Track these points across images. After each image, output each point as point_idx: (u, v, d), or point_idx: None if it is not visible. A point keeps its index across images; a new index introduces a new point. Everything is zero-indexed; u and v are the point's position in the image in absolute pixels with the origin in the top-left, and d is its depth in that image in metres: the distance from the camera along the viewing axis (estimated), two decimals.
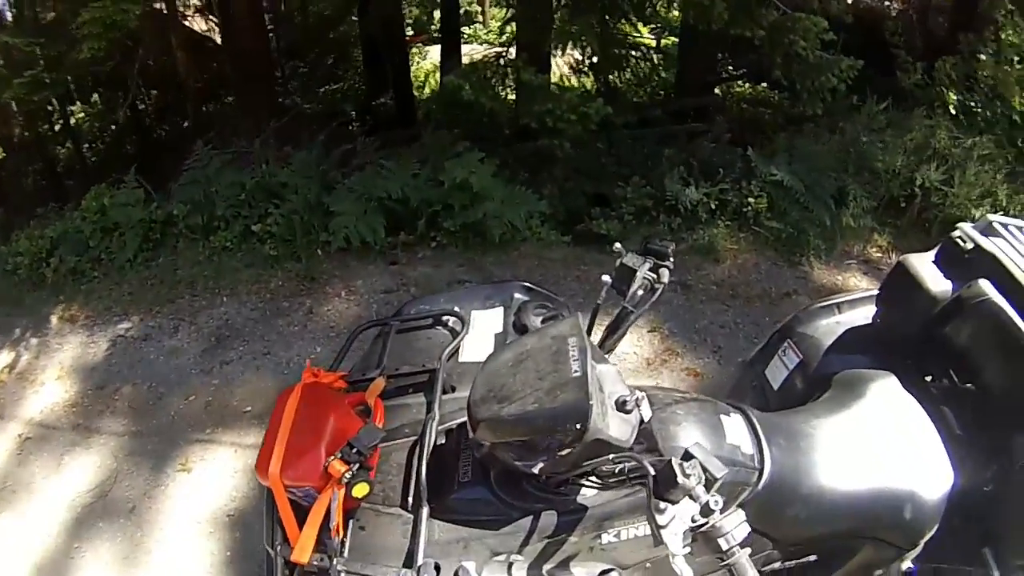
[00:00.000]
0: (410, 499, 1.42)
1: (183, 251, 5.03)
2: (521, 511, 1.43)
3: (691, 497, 1.25)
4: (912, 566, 2.00)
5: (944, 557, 2.03)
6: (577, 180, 5.41)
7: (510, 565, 1.38)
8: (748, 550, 1.30)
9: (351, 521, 1.40)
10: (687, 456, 1.28)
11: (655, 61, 8.36)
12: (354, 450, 1.34)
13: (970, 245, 2.32)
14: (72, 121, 7.37)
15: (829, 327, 2.51)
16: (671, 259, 1.83)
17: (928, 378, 2.27)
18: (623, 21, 7.08)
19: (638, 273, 1.75)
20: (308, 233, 4.92)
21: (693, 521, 1.27)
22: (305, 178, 5.13)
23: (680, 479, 1.23)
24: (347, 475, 1.32)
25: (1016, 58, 7.45)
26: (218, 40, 7.39)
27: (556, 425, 1.26)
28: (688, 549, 1.32)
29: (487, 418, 1.31)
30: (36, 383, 4.21)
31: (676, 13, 7.95)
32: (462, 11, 8.44)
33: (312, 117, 7.14)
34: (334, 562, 1.31)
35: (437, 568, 1.30)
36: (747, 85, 8.44)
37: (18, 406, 4.06)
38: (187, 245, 5.06)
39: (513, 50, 6.61)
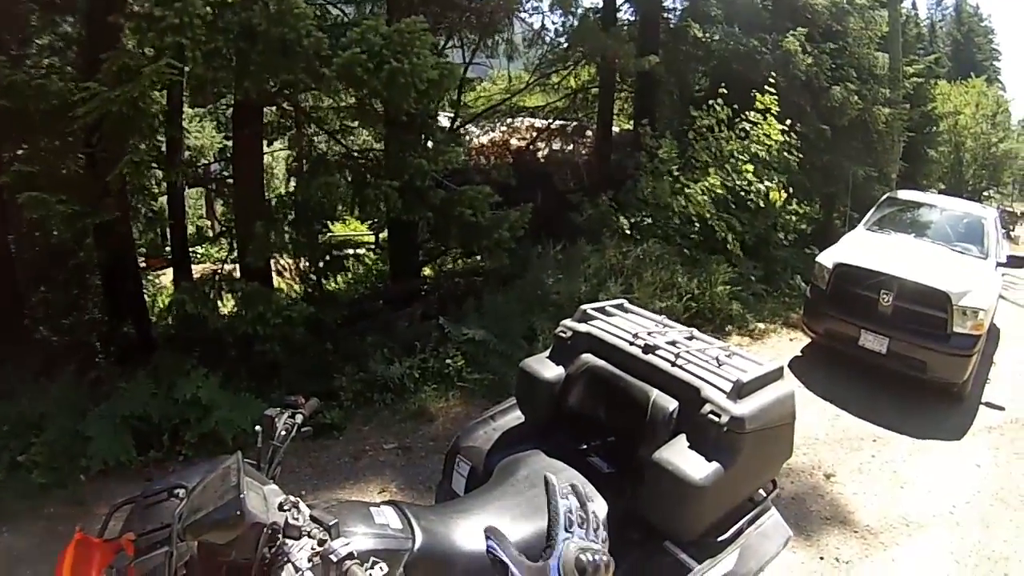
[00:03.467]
0: None
1: None
2: None
3: (309, 536, 1.74)
4: None
5: (632, 564, 2.38)
6: (302, 381, 5.84)
7: None
8: (359, 562, 1.68)
9: None
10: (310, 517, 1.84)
11: (371, 258, 9.29)
12: (113, 569, 1.71)
13: (569, 333, 2.98)
14: None
15: (487, 435, 3.00)
16: (303, 406, 2.36)
17: (585, 446, 2.77)
18: (332, 224, 7.95)
19: (277, 420, 2.26)
20: (70, 459, 5.05)
21: (312, 550, 1.74)
22: (61, 408, 5.31)
23: (291, 521, 1.73)
24: None
25: (673, 168, 8.81)
26: None
27: (224, 516, 1.65)
28: (310, 566, 1.71)
29: (188, 525, 1.70)
30: None
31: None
32: (193, 230, 8.90)
33: (61, 348, 7.27)
34: None
35: None
36: (459, 260, 9.32)
37: None
38: None
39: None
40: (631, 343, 2.87)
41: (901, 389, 6.49)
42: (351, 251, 8.55)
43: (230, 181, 7.58)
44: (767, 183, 9.43)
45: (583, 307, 3.16)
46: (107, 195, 5.45)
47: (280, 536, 1.73)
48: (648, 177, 8.74)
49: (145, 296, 7.77)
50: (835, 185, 11.34)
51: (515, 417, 3.09)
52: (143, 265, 8.76)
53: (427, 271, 8.88)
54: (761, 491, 2.81)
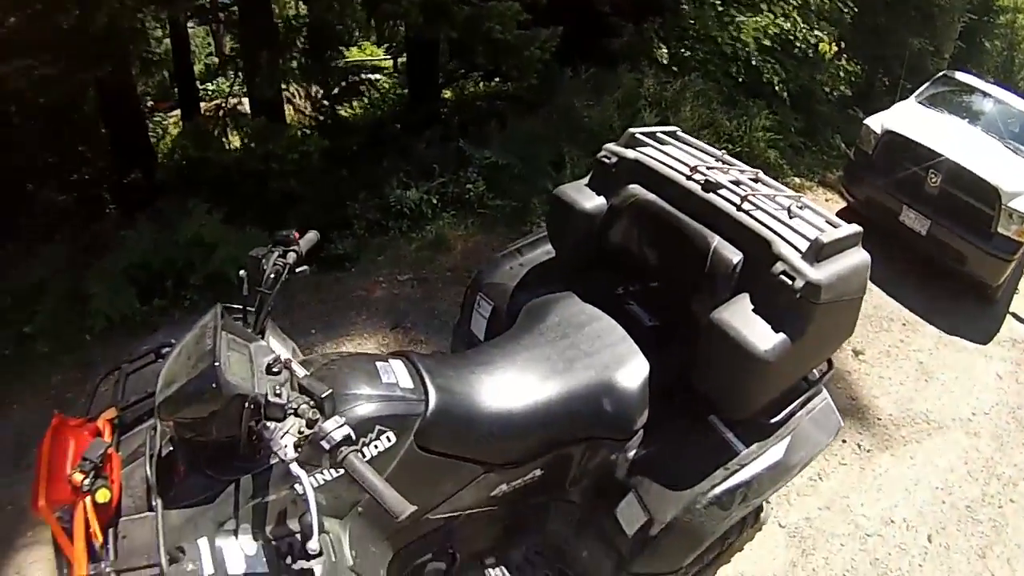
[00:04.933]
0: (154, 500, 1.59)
1: None
2: (225, 482, 1.59)
3: (296, 414, 1.52)
4: (641, 452, 2.14)
5: (672, 436, 2.17)
6: (317, 213, 5.54)
7: (235, 530, 1.56)
8: (357, 449, 1.49)
9: (111, 532, 1.54)
10: (299, 388, 1.58)
11: (388, 83, 8.69)
12: (87, 461, 1.51)
13: (614, 158, 2.51)
14: None
15: (513, 271, 2.69)
16: (297, 243, 2.01)
17: (620, 289, 2.45)
18: (348, 50, 7.41)
19: (264, 261, 1.92)
20: (73, 322, 4.87)
21: (300, 433, 1.52)
22: (60, 270, 5.10)
23: (271, 398, 1.49)
24: (86, 484, 1.48)
25: (717, 2, 8.05)
26: None
27: (198, 389, 1.47)
28: (296, 455, 1.50)
29: (160, 403, 1.52)
30: None
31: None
32: (203, 68, 8.48)
33: (68, 207, 7.05)
34: (102, 566, 1.46)
35: (181, 550, 1.49)
36: (480, 83, 8.75)
37: None
38: None
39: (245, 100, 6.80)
40: (688, 177, 2.39)
41: (934, 276, 6.10)
42: (367, 76, 8.05)
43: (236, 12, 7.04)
44: (817, 32, 8.72)
45: (631, 130, 2.64)
46: (99, 45, 5.02)
47: (262, 416, 1.52)
48: (691, 4, 8.00)
49: (152, 141, 7.50)
50: (886, 50, 10.47)
51: (545, 251, 2.74)
52: (151, 108, 8.44)
53: (447, 94, 8.33)
54: (815, 371, 2.43)
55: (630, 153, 2.52)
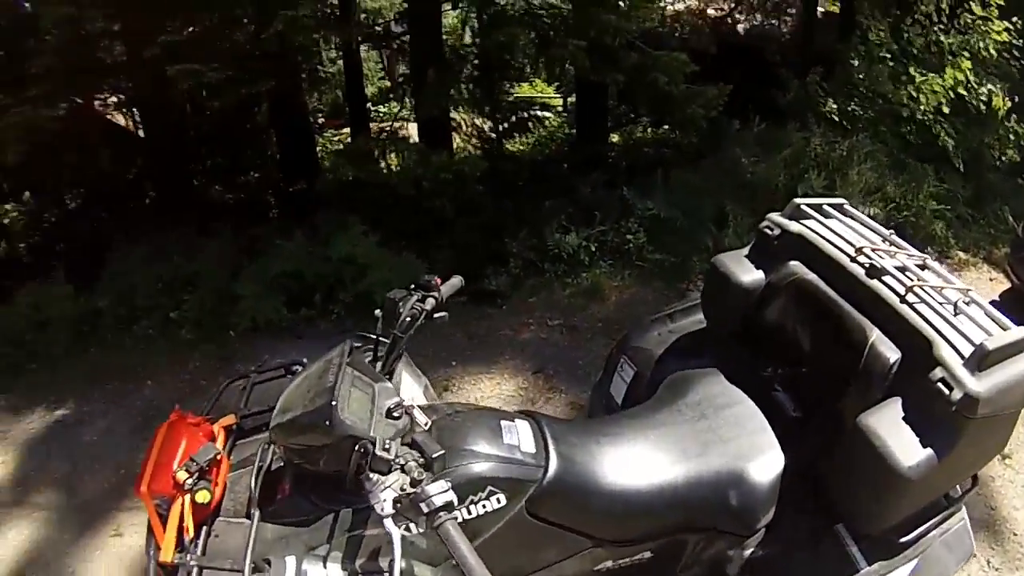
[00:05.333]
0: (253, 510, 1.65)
1: (111, 341, 5.26)
2: (326, 510, 1.62)
3: (403, 470, 1.51)
4: (758, 552, 2.01)
5: (793, 540, 2.04)
6: (474, 244, 5.60)
7: (325, 557, 1.59)
8: (456, 517, 1.47)
9: (205, 529, 1.61)
10: (412, 443, 1.58)
11: (556, 122, 8.72)
12: (194, 463, 1.59)
13: (777, 231, 2.37)
14: (6, 220, 7.57)
15: (661, 337, 2.58)
16: (438, 289, 2.03)
17: (768, 370, 2.30)
18: (519, 86, 7.52)
19: (402, 304, 1.95)
20: (219, 317, 5.15)
21: (403, 490, 1.50)
22: (215, 266, 5.39)
23: (379, 452, 1.48)
24: (188, 483, 1.57)
25: (887, 55, 7.67)
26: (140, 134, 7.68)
27: (312, 422, 1.51)
28: (394, 510, 1.50)
29: (274, 426, 1.59)
30: None
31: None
32: (376, 91, 8.78)
33: (230, 207, 7.48)
34: (188, 559, 1.53)
35: (268, 562, 1.54)
36: (648, 129, 8.66)
37: None
38: (114, 335, 5.29)
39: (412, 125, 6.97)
40: (852, 259, 2.20)
41: None
42: (536, 113, 8.13)
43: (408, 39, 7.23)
44: (990, 87, 8.01)
45: (796, 201, 2.46)
46: (270, 60, 5.29)
47: (366, 465, 1.52)
48: (861, 60, 7.64)
49: (320, 155, 7.92)
50: None
51: (696, 320, 2.61)
52: (321, 125, 8.95)
53: (615, 138, 8.26)
54: (958, 487, 2.19)
55: (794, 226, 2.37)
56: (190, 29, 5.12)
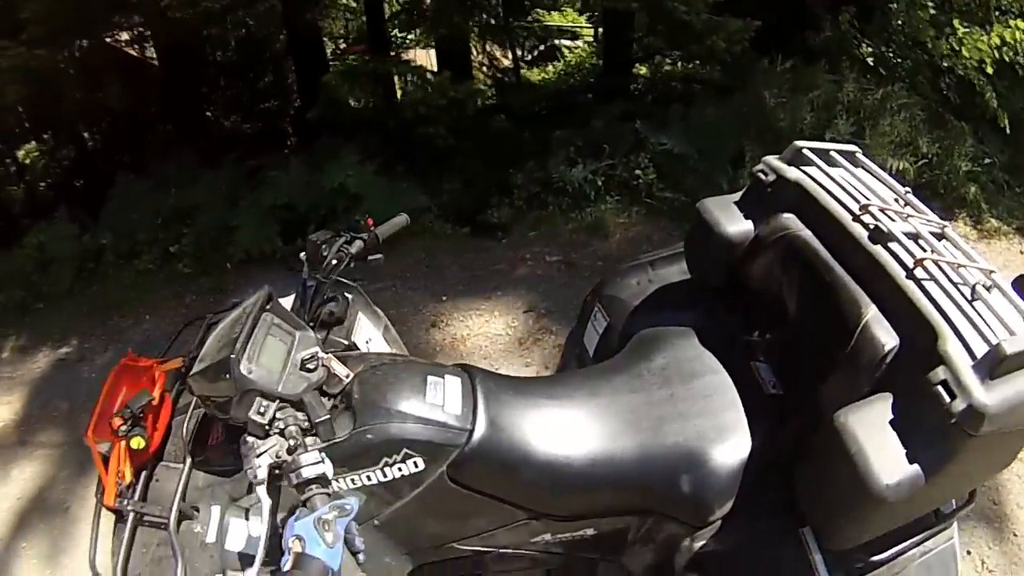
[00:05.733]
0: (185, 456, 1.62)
1: (112, 277, 5.36)
2: None
3: (283, 435, 1.42)
4: (710, 546, 1.76)
5: (750, 538, 1.76)
6: (478, 172, 5.45)
7: (247, 509, 1.56)
8: (328, 491, 1.37)
9: (145, 473, 1.62)
10: (299, 403, 1.49)
11: (585, 51, 8.49)
12: (127, 408, 1.58)
13: (772, 176, 2.01)
14: (27, 160, 7.66)
15: (640, 286, 2.30)
16: (369, 231, 1.94)
17: (754, 335, 2.04)
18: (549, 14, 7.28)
19: (326, 247, 1.86)
20: (216, 250, 5.17)
21: (278, 457, 1.40)
22: (213, 196, 5.39)
23: (253, 415, 1.42)
24: (122, 429, 1.56)
25: (930, 2, 7.13)
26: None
27: (216, 375, 1.46)
28: (265, 476, 1.41)
29: (189, 377, 1.54)
30: None
31: None
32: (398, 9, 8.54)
33: (247, 136, 7.42)
34: (124, 503, 1.54)
35: (196, 509, 1.54)
36: (679, 63, 8.17)
37: None
38: (115, 271, 5.39)
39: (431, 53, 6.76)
40: (855, 217, 1.83)
41: None
42: (562, 43, 7.87)
43: None
44: None
45: (798, 143, 2.07)
46: None
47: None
48: (900, 3, 7.14)
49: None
50: None
51: (680, 270, 2.27)
52: (342, 51, 8.92)
53: (642, 70, 7.91)
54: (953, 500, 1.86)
55: (792, 172, 2.00)
56: None
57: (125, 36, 7.16)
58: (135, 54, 7.58)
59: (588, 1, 6.46)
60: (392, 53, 6.99)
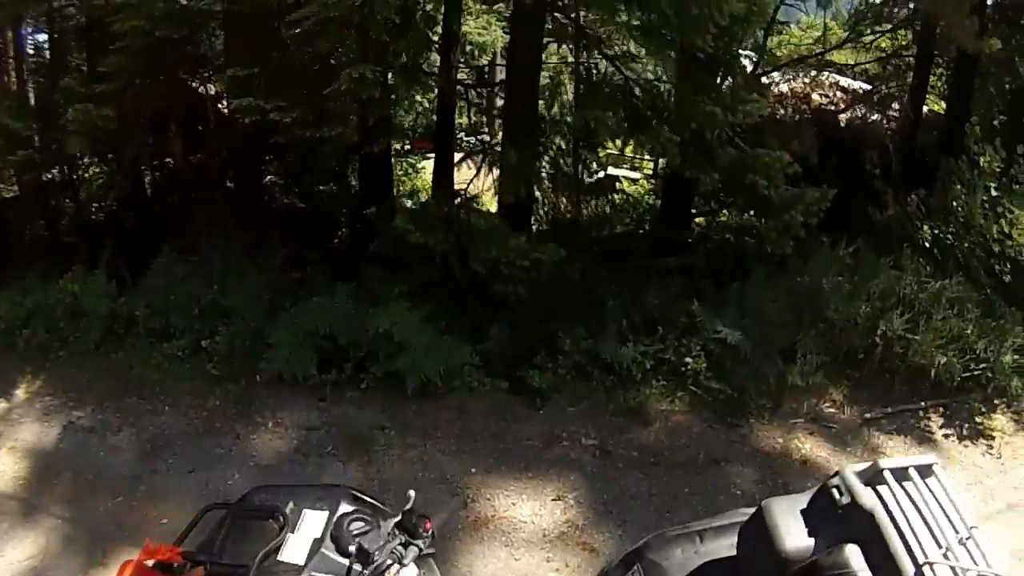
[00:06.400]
0: None
1: (139, 351, 5.33)
2: None
3: None
4: None
5: None
6: (529, 323, 5.33)
7: None
8: None
9: None
10: None
11: (644, 188, 8.50)
12: None
13: (846, 498, 2.04)
14: (84, 175, 7.48)
15: (684, 557, 2.35)
16: (426, 533, 1.96)
17: None
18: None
19: (379, 551, 1.88)
20: (247, 359, 5.09)
21: None
22: (254, 300, 5.34)
23: None
24: None
25: (992, 185, 7.09)
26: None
27: None
28: None
29: None
30: None
31: None
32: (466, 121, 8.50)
33: (297, 217, 7.32)
34: None
35: None
36: (734, 214, 7.89)
37: None
38: (143, 346, 5.35)
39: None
40: (917, 568, 1.86)
41: None
42: (621, 179, 7.78)
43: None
44: None
45: (880, 463, 2.10)
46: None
47: None
48: (960, 185, 7.01)
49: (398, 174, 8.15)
50: None
51: (728, 545, 2.31)
52: (410, 148, 9.03)
53: (699, 220, 7.75)
54: None
55: (867, 498, 2.01)
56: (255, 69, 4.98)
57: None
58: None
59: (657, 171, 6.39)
60: (461, 193, 6.88)
